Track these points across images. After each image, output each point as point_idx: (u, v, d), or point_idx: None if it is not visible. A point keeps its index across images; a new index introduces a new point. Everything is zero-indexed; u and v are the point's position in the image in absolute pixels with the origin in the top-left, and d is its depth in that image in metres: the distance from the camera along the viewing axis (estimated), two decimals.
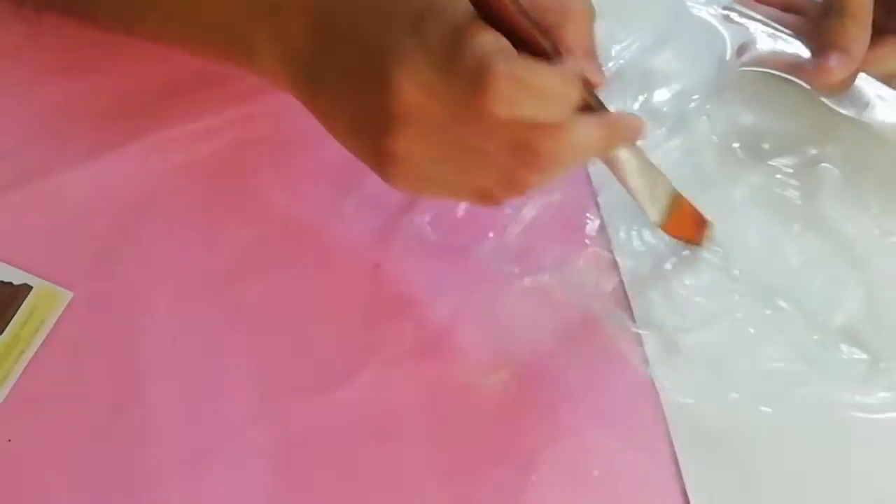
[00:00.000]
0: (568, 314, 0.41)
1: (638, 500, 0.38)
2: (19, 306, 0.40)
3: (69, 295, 0.40)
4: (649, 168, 0.39)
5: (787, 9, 0.46)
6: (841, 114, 0.44)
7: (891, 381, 0.39)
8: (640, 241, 0.43)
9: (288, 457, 0.38)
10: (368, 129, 0.33)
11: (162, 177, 0.43)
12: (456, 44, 0.31)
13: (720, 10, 0.45)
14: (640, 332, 0.40)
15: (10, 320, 0.39)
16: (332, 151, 0.44)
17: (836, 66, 0.41)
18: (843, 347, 0.40)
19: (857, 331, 0.40)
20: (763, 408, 0.39)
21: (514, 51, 0.31)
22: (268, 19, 0.36)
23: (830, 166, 0.43)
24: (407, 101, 0.32)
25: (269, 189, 0.43)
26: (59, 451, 0.37)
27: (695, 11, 0.48)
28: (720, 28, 0.47)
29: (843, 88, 0.43)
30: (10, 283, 0.40)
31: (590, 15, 0.34)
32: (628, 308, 0.41)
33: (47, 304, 0.40)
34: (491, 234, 0.43)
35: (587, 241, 0.43)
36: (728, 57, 0.46)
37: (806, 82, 0.44)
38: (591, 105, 0.34)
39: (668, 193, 0.40)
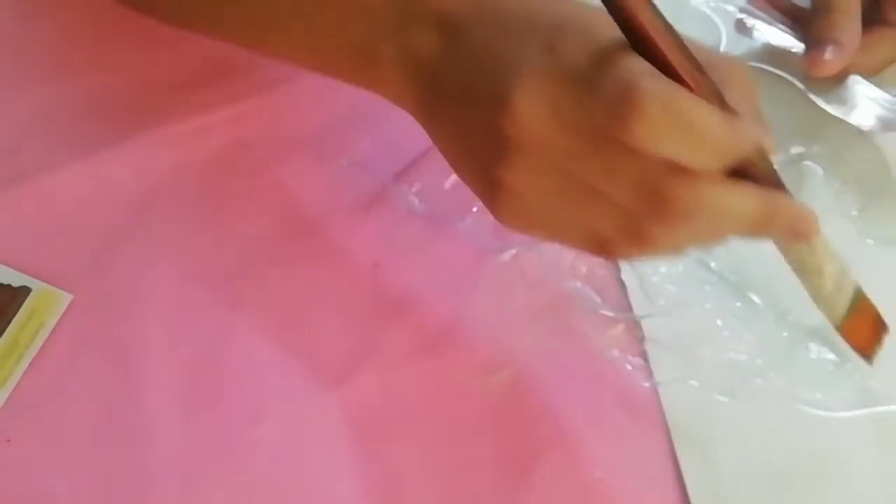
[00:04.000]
0: (543, 295, 0.42)
1: (639, 501, 0.38)
2: (18, 309, 0.40)
3: (69, 297, 0.40)
4: (831, 261, 0.36)
5: (793, 19, 0.46)
6: (829, 114, 0.44)
7: (855, 381, 0.39)
8: None
9: (286, 458, 0.38)
10: (481, 153, 0.30)
11: (161, 176, 0.44)
12: (598, 64, 0.27)
13: (736, 14, 0.46)
14: (609, 315, 0.41)
15: (9, 323, 0.40)
16: (331, 150, 0.45)
17: (830, 58, 0.42)
18: (813, 347, 0.40)
19: (828, 331, 0.40)
20: (720, 397, 0.39)
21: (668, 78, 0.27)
22: (396, 32, 0.33)
23: (814, 164, 0.44)
24: (525, 127, 0.28)
25: (269, 188, 0.44)
26: (58, 453, 0.38)
27: (693, 3, 0.48)
28: (717, 21, 0.47)
29: (836, 82, 0.43)
30: (9, 286, 0.40)
31: (752, 78, 0.30)
32: (601, 291, 0.42)
33: (47, 306, 0.40)
34: (475, 209, 0.43)
35: None
36: (722, 50, 0.46)
37: (798, 78, 0.44)
38: (760, 177, 0.29)
39: (851, 292, 0.37)
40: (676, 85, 0.27)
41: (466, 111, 0.31)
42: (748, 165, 0.29)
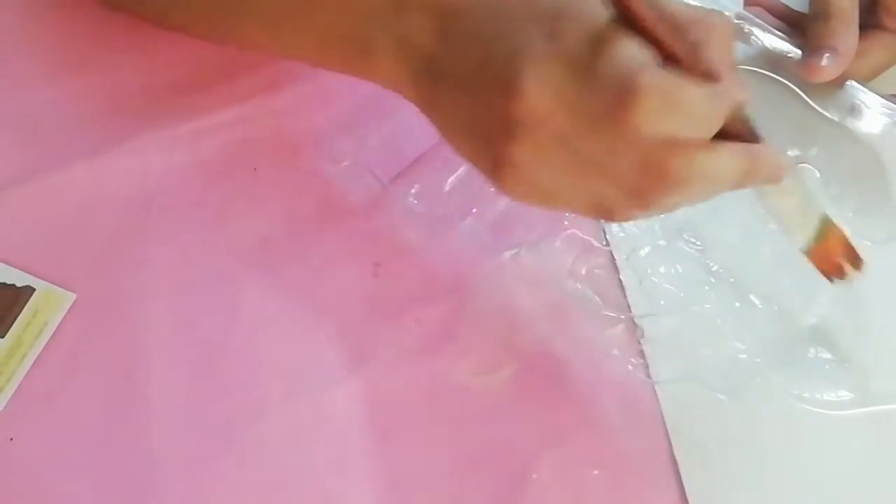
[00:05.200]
0: (543, 295, 0.42)
1: (638, 499, 0.38)
2: (22, 308, 0.40)
3: (72, 297, 0.41)
4: (797, 189, 0.37)
5: (789, 24, 0.47)
6: (825, 117, 0.45)
7: (854, 381, 0.40)
8: (619, 227, 0.43)
9: (288, 456, 0.38)
10: (487, 132, 0.32)
11: (163, 176, 0.44)
12: (597, 51, 0.29)
13: (733, 19, 0.46)
14: (610, 315, 0.41)
15: (12, 323, 0.40)
16: (331, 152, 0.45)
17: (827, 65, 0.42)
18: (811, 347, 0.41)
19: (826, 331, 0.41)
20: (720, 396, 0.39)
21: (658, 62, 0.29)
22: (390, 18, 0.34)
23: (811, 167, 0.44)
24: (532, 108, 0.30)
25: (270, 188, 0.44)
26: (61, 451, 0.38)
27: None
28: None
29: (834, 87, 0.44)
30: (13, 286, 0.40)
31: (732, 31, 0.32)
32: (600, 291, 0.42)
33: (50, 306, 0.40)
34: (474, 209, 0.43)
35: (566, 221, 0.43)
36: None
37: (795, 82, 0.45)
38: (739, 132, 0.32)
39: (818, 219, 0.38)
40: (667, 71, 0.29)
41: (469, 94, 0.32)
42: (728, 122, 0.32)
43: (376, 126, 0.45)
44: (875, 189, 0.44)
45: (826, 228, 0.38)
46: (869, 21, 0.43)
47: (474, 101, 0.32)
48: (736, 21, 0.45)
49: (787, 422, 0.39)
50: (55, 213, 0.42)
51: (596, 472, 0.38)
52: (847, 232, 0.38)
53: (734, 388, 0.40)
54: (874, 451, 0.39)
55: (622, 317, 0.41)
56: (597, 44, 0.30)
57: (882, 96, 0.44)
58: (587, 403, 0.40)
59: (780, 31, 0.46)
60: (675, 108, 0.29)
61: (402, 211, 0.43)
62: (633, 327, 0.41)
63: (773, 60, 0.46)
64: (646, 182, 0.31)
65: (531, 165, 0.32)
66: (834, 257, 0.39)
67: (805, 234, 0.38)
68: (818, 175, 0.44)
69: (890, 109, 0.44)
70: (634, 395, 0.40)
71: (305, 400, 0.39)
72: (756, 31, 0.45)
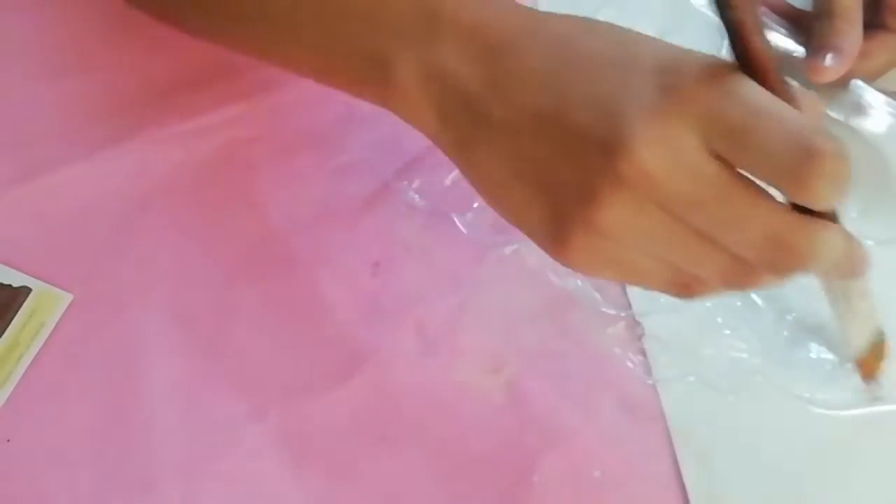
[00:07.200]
0: (543, 293, 0.42)
1: (640, 500, 0.38)
2: (19, 309, 0.40)
3: (69, 297, 0.41)
4: (869, 293, 0.36)
5: (793, 22, 0.46)
6: (829, 117, 0.44)
7: (854, 380, 0.40)
8: None
9: (287, 457, 0.38)
10: (554, 189, 0.29)
11: (161, 176, 0.44)
12: (747, 109, 0.27)
13: None
14: (610, 312, 0.41)
15: (9, 323, 0.40)
16: (331, 149, 0.45)
17: (831, 65, 0.42)
18: (813, 346, 0.41)
19: (828, 331, 0.40)
20: (720, 395, 0.39)
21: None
22: (418, 45, 0.31)
23: None
24: (644, 171, 0.27)
25: (269, 187, 0.44)
26: (58, 452, 0.38)
27: (697, 6, 0.48)
28: (719, 22, 0.47)
29: (837, 85, 0.44)
30: (10, 286, 0.41)
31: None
32: (601, 289, 0.42)
33: (47, 306, 0.40)
34: (475, 204, 0.43)
35: None
36: (724, 52, 0.46)
37: (799, 81, 0.45)
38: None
39: (874, 333, 0.37)
40: (837, 138, 0.27)
41: (525, 145, 0.29)
42: None
43: (375, 121, 0.45)
44: (879, 188, 0.43)
45: (878, 341, 0.37)
46: (872, 21, 0.43)
47: (534, 154, 0.29)
48: None
49: (789, 422, 0.39)
50: (52, 212, 0.42)
51: (597, 473, 0.38)
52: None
53: (735, 388, 0.39)
54: (875, 452, 0.39)
55: (622, 314, 0.41)
56: (743, 99, 0.27)
57: (887, 95, 0.44)
58: (588, 403, 0.40)
59: (783, 29, 0.45)
60: (847, 176, 0.26)
61: (403, 206, 0.43)
62: (634, 325, 0.41)
63: (779, 58, 0.45)
64: (760, 258, 0.28)
65: (616, 232, 0.28)
66: (873, 366, 0.39)
67: (861, 343, 0.37)
68: None
69: (895, 109, 0.44)
70: (636, 395, 0.40)
71: (305, 400, 0.39)
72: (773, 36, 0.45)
